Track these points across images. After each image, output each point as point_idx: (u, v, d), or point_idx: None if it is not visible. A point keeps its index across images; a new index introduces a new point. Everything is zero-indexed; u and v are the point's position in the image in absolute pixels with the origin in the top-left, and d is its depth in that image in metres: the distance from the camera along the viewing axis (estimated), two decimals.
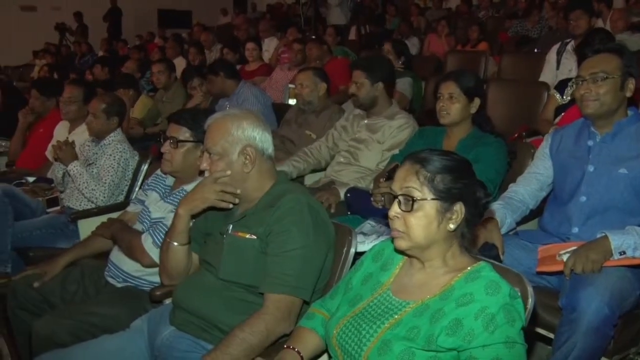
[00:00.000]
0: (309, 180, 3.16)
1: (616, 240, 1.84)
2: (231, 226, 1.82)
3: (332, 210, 2.58)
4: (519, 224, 2.26)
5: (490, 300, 1.25)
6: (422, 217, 1.35)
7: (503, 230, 2.11)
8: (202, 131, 1.89)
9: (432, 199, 1.35)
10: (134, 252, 2.17)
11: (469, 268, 1.36)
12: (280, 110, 4.06)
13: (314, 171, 3.17)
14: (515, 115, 3.85)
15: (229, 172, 1.79)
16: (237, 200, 1.82)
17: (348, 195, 2.53)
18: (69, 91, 3.62)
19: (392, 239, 1.42)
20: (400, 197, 1.37)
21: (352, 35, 7.90)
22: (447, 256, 1.40)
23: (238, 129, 1.79)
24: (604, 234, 1.88)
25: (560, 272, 1.90)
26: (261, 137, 1.83)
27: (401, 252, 1.45)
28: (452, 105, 2.48)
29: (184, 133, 2.22)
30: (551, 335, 1.93)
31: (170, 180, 2.37)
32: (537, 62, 4.61)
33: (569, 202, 2.11)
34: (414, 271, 1.43)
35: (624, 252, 1.84)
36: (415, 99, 4.13)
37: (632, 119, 2.09)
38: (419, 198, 1.35)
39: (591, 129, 2.14)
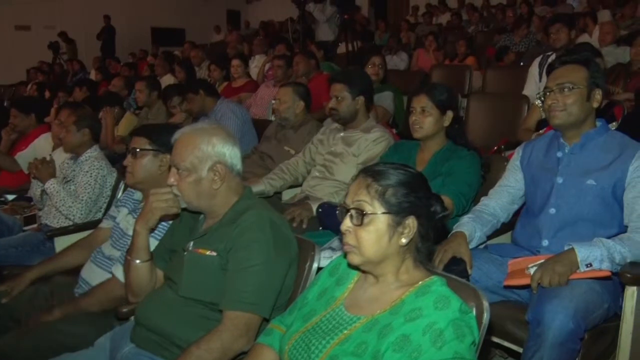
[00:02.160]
0: (287, 195, 3.14)
1: (582, 252, 1.82)
2: (192, 243, 1.81)
3: (304, 226, 2.56)
4: (491, 237, 2.24)
5: (438, 315, 1.23)
6: (373, 231, 1.34)
7: (472, 244, 2.10)
8: (163, 141, 1.88)
9: (383, 213, 1.34)
10: (112, 293, 2.11)
11: (420, 283, 1.34)
12: (263, 126, 4.04)
13: (292, 187, 3.15)
14: (496, 127, 3.85)
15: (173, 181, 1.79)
16: (183, 204, 1.81)
17: (320, 210, 2.51)
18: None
19: (345, 254, 1.41)
20: (352, 211, 1.36)
21: (343, 51, 7.94)
22: (401, 271, 1.38)
23: (208, 144, 1.78)
24: (570, 247, 1.86)
25: (528, 286, 1.87)
26: (231, 153, 1.82)
27: (355, 267, 1.42)
28: (425, 119, 2.47)
29: (144, 143, 2.22)
30: (521, 350, 1.91)
31: (138, 195, 2.37)
32: (522, 75, 4.61)
33: (539, 214, 2.10)
34: (368, 286, 1.42)
35: (591, 264, 1.82)
36: (397, 113, 4.13)
37: (600, 130, 2.09)
38: (369, 212, 1.34)
39: (560, 140, 2.13)
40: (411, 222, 1.35)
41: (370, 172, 1.39)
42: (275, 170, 3.11)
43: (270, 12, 14.62)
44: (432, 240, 1.42)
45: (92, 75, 9.60)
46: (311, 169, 3.04)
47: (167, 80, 6.97)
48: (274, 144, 3.45)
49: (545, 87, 2.12)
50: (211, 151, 1.78)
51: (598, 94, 2.05)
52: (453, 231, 2.09)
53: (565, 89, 2.04)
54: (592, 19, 6.65)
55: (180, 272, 1.79)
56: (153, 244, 2.04)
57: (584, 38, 6.24)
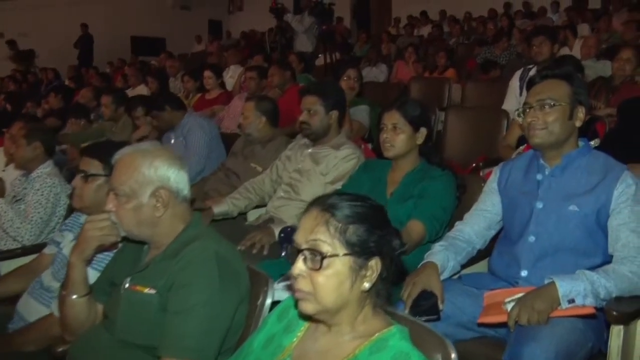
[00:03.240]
0: (253, 216, 2.95)
1: (564, 287, 1.65)
2: (129, 279, 1.62)
3: (265, 252, 2.37)
4: (465, 265, 2.07)
5: None
6: (333, 276, 1.15)
7: (445, 275, 1.92)
8: None
9: (345, 255, 1.15)
10: (51, 332, 1.90)
11: (377, 335, 1.16)
12: (234, 140, 3.86)
13: (259, 206, 2.96)
14: (475, 143, 3.70)
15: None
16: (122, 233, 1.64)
17: (282, 235, 2.32)
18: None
19: (296, 301, 1.22)
20: (306, 252, 1.17)
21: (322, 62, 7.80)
22: (358, 320, 1.20)
23: (150, 167, 1.60)
24: (551, 280, 1.69)
25: (505, 324, 1.70)
26: (176, 177, 1.63)
27: (306, 316, 1.24)
28: (397, 137, 2.30)
29: (96, 166, 2.04)
30: None
31: (84, 219, 2.16)
32: (502, 88, 4.48)
33: (517, 242, 1.93)
34: (319, 335, 1.23)
35: (573, 300, 1.65)
36: (373, 128, 3.96)
37: (583, 150, 1.92)
38: (329, 254, 1.15)
39: (540, 161, 1.96)
40: (375, 264, 1.18)
41: (326, 205, 1.20)
42: (239, 189, 2.92)
43: (252, 22, 14.42)
44: (392, 280, 1.25)
45: (70, 85, 9.36)
46: (277, 187, 2.85)
47: (139, 90, 6.78)
48: (240, 160, 3.26)
49: (525, 103, 1.95)
50: (153, 175, 1.60)
51: (581, 112, 1.90)
52: (424, 261, 1.92)
53: (546, 106, 1.88)
54: (572, 33, 6.59)
55: (117, 310, 1.60)
56: (95, 275, 1.86)
57: (564, 52, 6.17)
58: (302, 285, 1.17)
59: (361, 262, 1.17)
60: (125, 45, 14.65)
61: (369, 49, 8.10)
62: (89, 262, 1.74)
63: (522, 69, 4.34)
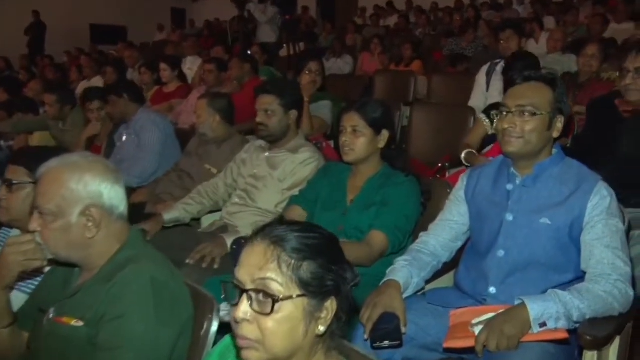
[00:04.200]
0: (207, 221, 2.76)
1: (535, 310, 1.52)
2: (53, 309, 1.43)
3: (216, 266, 2.19)
4: (431, 279, 1.93)
5: None
6: (285, 320, 1.00)
7: (408, 293, 1.78)
8: None
9: (299, 296, 1.00)
10: None
11: None
12: (191, 137, 3.65)
13: (213, 211, 2.77)
14: (441, 141, 3.57)
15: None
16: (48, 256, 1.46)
17: (234, 247, 2.15)
18: None
19: (239, 349, 1.05)
20: (253, 293, 1.01)
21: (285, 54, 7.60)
22: None
23: (79, 182, 1.41)
24: (521, 301, 1.56)
25: (472, 349, 1.56)
26: (110, 193, 1.45)
27: None
28: (357, 140, 2.15)
29: (21, 174, 1.84)
30: None
31: (16, 233, 1.96)
32: (469, 82, 4.37)
33: (485, 256, 1.79)
34: None
35: (545, 324, 1.52)
36: (336, 124, 3.79)
37: (556, 158, 1.79)
38: (282, 295, 0.99)
39: (511, 169, 1.82)
40: (331, 305, 1.03)
41: (274, 237, 1.04)
42: (192, 193, 2.72)
43: (217, 11, 14.07)
44: (346, 319, 1.09)
45: (23, 76, 8.92)
46: (232, 192, 2.67)
47: (95, 83, 6.46)
48: (194, 161, 3.06)
49: (503, 105, 1.80)
50: (83, 191, 1.42)
51: (560, 122, 1.76)
52: (385, 279, 1.77)
53: (527, 113, 1.72)
54: (539, 25, 6.53)
55: (41, 344, 1.42)
56: (23, 299, 1.68)
57: (531, 44, 6.11)
58: (248, 331, 1.01)
59: (316, 303, 1.02)
60: (84, 33, 14.16)
61: (333, 40, 7.90)
62: (14, 285, 1.55)
63: (489, 64, 4.23)
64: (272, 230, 1.06)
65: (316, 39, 8.31)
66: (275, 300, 0.99)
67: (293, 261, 1.01)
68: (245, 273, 1.03)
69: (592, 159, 2.48)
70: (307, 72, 3.82)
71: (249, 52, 6.46)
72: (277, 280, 1.00)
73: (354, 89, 5.26)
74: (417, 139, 3.72)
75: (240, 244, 2.12)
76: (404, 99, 4.83)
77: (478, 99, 4.12)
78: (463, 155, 2.87)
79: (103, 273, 1.43)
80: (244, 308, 1.01)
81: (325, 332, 1.05)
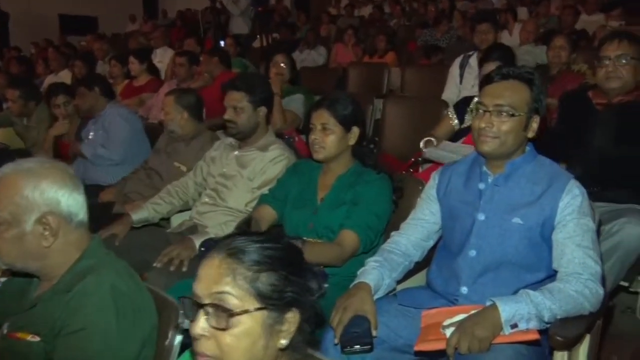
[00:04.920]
0: (177, 220, 2.70)
1: (507, 312, 1.51)
2: (7, 324, 1.37)
3: (184, 269, 2.14)
4: (402, 279, 1.90)
5: None
6: (243, 335, 0.97)
7: (379, 294, 1.75)
8: None
9: (258, 309, 0.96)
10: None
11: None
12: (161, 132, 3.56)
13: (183, 210, 2.71)
14: (414, 135, 3.52)
15: None
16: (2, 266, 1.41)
17: (203, 249, 2.09)
18: None
19: None
20: (210, 308, 0.97)
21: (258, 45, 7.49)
22: None
23: (35, 190, 1.35)
24: (493, 302, 1.54)
25: (443, 352, 1.54)
26: (68, 200, 1.39)
27: None
28: (326, 138, 2.11)
29: None
30: None
31: None
32: (444, 73, 4.35)
33: (457, 255, 1.77)
34: None
35: (516, 325, 1.51)
36: (307, 119, 3.75)
37: (528, 157, 1.76)
38: (238, 310, 0.96)
39: (483, 168, 1.80)
40: (292, 317, 1.00)
41: (231, 249, 1.00)
42: (161, 192, 2.65)
43: (189, 1, 13.84)
44: (311, 331, 1.06)
45: None
46: (202, 191, 2.61)
47: (63, 77, 6.30)
48: (163, 159, 2.99)
49: (480, 103, 1.76)
50: (38, 198, 1.35)
51: (535, 122, 1.73)
52: (356, 281, 1.74)
53: (504, 113, 1.69)
54: (513, 16, 6.54)
55: None
56: None
57: (504, 36, 6.12)
58: (206, 348, 0.98)
59: (276, 316, 0.99)
60: (52, 24, 13.80)
61: (307, 31, 7.82)
62: None
63: (462, 56, 4.22)
64: (230, 242, 1.03)
65: (295, 30, 8.20)
66: (230, 314, 0.96)
67: (250, 273, 0.98)
68: (201, 287, 1.00)
69: (564, 152, 2.49)
70: (273, 66, 3.77)
71: (222, 44, 6.37)
72: (233, 294, 0.97)
73: (327, 81, 5.21)
74: (390, 133, 3.70)
75: (210, 245, 2.07)
76: (378, 91, 4.80)
77: (451, 92, 4.10)
78: (422, 143, 2.86)
79: (62, 284, 1.38)
80: (201, 324, 0.98)
81: (288, 345, 1.01)
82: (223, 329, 0.96)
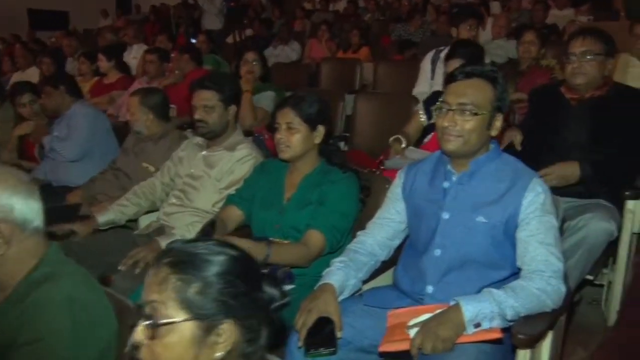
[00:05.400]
0: (144, 221, 2.66)
1: (470, 311, 1.51)
2: None
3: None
4: (369, 279, 1.90)
5: None
6: (172, 346, 0.96)
7: (345, 295, 1.74)
8: None
9: (185, 320, 0.95)
10: None
11: None
12: (127, 133, 3.50)
13: (151, 211, 2.67)
14: (385, 131, 3.52)
15: None
16: None
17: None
18: None
19: None
20: (145, 317, 0.97)
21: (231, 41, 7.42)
22: None
23: None
24: (456, 302, 1.55)
25: (408, 352, 1.54)
26: (22, 207, 1.35)
27: None
28: (292, 137, 2.09)
29: None
30: None
31: None
32: (416, 69, 4.34)
33: (423, 254, 1.76)
34: None
35: (479, 324, 1.51)
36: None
37: (492, 154, 1.76)
38: (165, 320, 0.95)
39: (448, 167, 1.79)
40: (228, 328, 0.98)
41: (169, 256, 0.99)
42: (128, 194, 2.61)
43: None
44: (268, 341, 1.04)
45: None
46: (170, 192, 2.57)
47: (30, 74, 6.14)
48: (131, 159, 2.94)
49: (444, 101, 1.76)
50: None
51: (498, 121, 1.73)
52: (320, 282, 1.73)
53: (467, 112, 1.69)
54: (486, 11, 6.57)
55: None
56: None
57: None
58: (143, 355, 0.99)
59: (207, 326, 0.98)
60: (21, 19, 13.49)
61: (281, 26, 7.76)
62: None
63: (433, 51, 4.21)
64: (170, 250, 1.02)
65: (270, 25, 8.12)
66: (157, 324, 0.96)
67: (180, 283, 0.97)
68: (143, 295, 1.00)
69: (534, 146, 2.49)
70: (244, 64, 3.74)
71: (194, 41, 6.29)
72: (163, 303, 0.97)
73: (300, 77, 5.19)
74: (361, 129, 3.68)
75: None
76: (350, 87, 4.79)
77: (422, 87, 4.09)
78: (390, 140, 2.86)
79: (17, 293, 1.35)
80: (139, 332, 0.98)
81: (225, 357, 1.00)
82: (152, 338, 0.97)
